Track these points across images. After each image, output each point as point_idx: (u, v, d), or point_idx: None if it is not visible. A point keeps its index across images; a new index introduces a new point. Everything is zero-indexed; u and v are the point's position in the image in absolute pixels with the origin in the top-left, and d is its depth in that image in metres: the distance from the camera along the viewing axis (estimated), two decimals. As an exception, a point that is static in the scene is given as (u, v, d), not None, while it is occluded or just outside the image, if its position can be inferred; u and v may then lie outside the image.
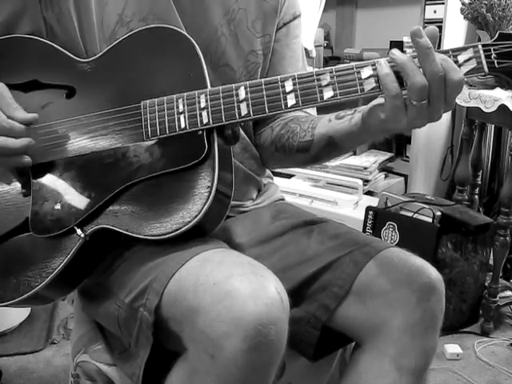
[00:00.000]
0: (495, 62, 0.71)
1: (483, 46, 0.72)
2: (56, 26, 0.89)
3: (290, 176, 2.49)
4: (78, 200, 0.82)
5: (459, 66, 0.72)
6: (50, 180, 0.85)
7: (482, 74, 0.72)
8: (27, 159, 0.82)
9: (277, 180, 1.17)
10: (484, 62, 0.71)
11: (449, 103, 0.72)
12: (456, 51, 0.72)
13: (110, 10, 0.87)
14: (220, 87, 0.78)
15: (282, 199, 1.12)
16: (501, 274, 2.02)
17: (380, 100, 0.76)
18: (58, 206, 0.83)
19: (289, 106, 0.76)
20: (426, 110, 0.71)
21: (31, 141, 0.81)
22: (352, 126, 0.84)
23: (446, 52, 0.72)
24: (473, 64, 0.72)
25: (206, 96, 0.78)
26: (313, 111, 1.06)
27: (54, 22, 0.89)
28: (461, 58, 0.72)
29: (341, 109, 0.89)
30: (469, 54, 0.72)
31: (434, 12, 2.33)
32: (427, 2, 2.35)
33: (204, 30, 0.92)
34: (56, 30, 0.89)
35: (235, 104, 0.77)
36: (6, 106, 0.81)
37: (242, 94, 0.78)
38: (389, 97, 0.72)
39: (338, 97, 0.75)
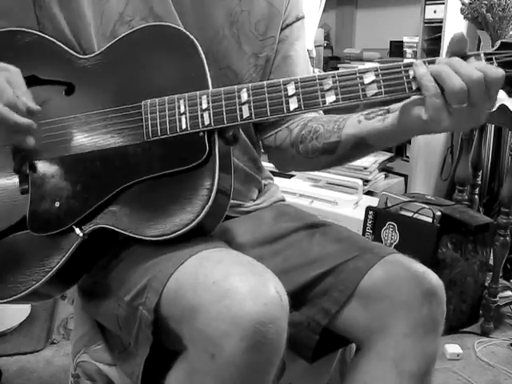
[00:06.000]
0: None
1: (485, 54, 0.72)
2: (49, 25, 0.89)
3: (290, 176, 2.49)
4: (76, 199, 0.82)
5: None
6: (48, 178, 0.84)
7: None
8: (31, 140, 0.79)
9: (277, 180, 1.16)
10: None
11: (492, 101, 0.72)
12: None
13: (110, 9, 0.87)
14: (222, 88, 0.78)
15: (283, 200, 1.11)
16: (501, 274, 2.02)
17: (414, 100, 0.75)
18: (56, 205, 0.83)
19: (291, 109, 0.76)
20: (469, 112, 0.71)
21: (34, 124, 0.78)
22: (387, 126, 0.82)
23: None
24: None
25: (207, 97, 0.78)
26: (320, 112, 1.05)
27: (48, 22, 0.89)
28: None
29: (345, 110, 0.88)
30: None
31: (434, 12, 2.33)
32: (427, 2, 2.35)
33: (206, 32, 0.91)
34: (48, 28, 0.89)
35: (237, 106, 0.77)
36: (17, 85, 0.78)
37: (245, 96, 0.77)
38: (429, 96, 0.71)
39: (340, 102, 0.74)
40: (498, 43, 0.73)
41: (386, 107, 0.85)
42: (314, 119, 0.97)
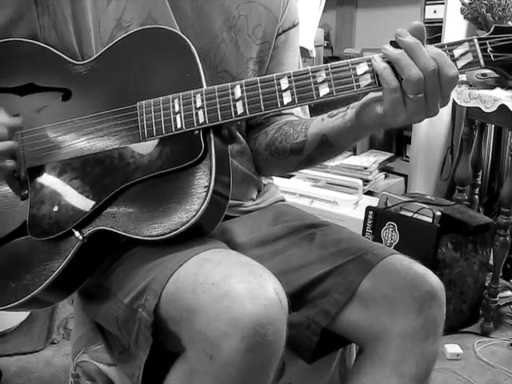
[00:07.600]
0: (491, 55, 0.71)
1: (479, 39, 0.72)
2: (51, 31, 0.89)
3: (290, 176, 2.50)
4: (75, 202, 0.82)
5: (455, 60, 0.72)
6: (47, 183, 0.85)
7: (478, 67, 0.72)
8: (10, 163, 0.82)
9: (277, 180, 1.16)
10: (480, 55, 0.71)
11: (444, 98, 0.72)
12: (452, 45, 0.72)
13: (108, 15, 0.87)
14: (216, 86, 0.78)
15: (283, 200, 1.11)
16: (501, 274, 2.02)
17: (374, 95, 0.76)
18: (55, 209, 0.83)
19: (285, 103, 0.76)
20: (424, 104, 0.71)
21: (14, 144, 0.82)
22: (346, 122, 0.84)
23: (441, 46, 0.72)
24: (469, 58, 0.72)
25: (201, 95, 0.78)
26: (306, 115, 1.06)
27: (50, 27, 0.89)
28: (456, 52, 0.72)
29: (335, 108, 0.88)
30: (464, 47, 0.72)
31: (434, 12, 2.34)
32: (427, 2, 2.35)
33: (203, 36, 0.91)
34: (51, 36, 0.89)
35: (231, 103, 0.77)
36: None
37: (238, 92, 0.77)
38: (388, 90, 0.72)
39: (334, 93, 0.74)
40: (492, 28, 0.72)
41: (347, 105, 0.86)
42: (288, 122, 0.99)
